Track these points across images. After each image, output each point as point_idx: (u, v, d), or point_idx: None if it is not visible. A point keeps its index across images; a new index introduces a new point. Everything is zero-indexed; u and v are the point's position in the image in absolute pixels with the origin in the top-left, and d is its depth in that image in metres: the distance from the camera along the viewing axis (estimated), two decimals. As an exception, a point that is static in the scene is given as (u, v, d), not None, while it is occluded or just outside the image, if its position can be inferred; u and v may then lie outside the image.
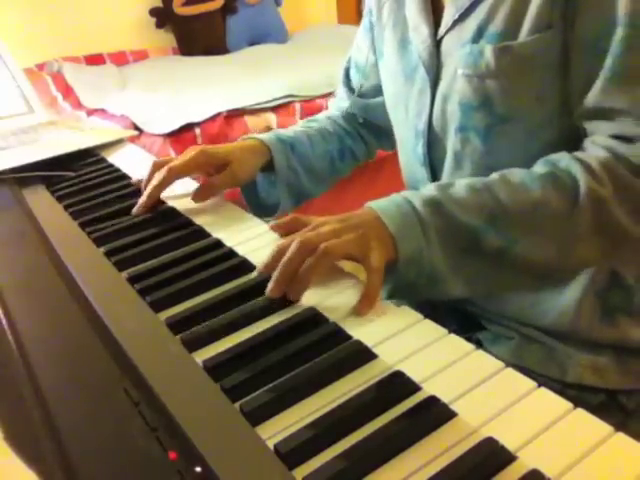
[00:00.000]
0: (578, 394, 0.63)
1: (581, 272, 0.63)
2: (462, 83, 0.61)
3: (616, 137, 0.55)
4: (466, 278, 0.54)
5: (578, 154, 0.55)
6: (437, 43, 0.65)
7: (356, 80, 0.87)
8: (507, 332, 0.68)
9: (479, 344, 0.71)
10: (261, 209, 0.82)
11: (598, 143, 0.55)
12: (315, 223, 0.54)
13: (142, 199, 0.71)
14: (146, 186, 0.71)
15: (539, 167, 0.55)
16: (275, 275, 0.50)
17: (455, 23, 0.62)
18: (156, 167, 0.72)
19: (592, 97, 0.55)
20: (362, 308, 0.48)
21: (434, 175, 0.71)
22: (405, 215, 0.52)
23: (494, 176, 0.55)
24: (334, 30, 2.88)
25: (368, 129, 0.89)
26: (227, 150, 0.73)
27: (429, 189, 0.55)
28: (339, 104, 0.91)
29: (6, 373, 0.46)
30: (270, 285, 0.50)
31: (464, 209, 0.53)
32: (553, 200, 0.53)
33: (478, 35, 0.60)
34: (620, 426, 0.35)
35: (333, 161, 0.85)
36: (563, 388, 0.63)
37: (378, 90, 0.82)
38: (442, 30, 0.64)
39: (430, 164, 0.71)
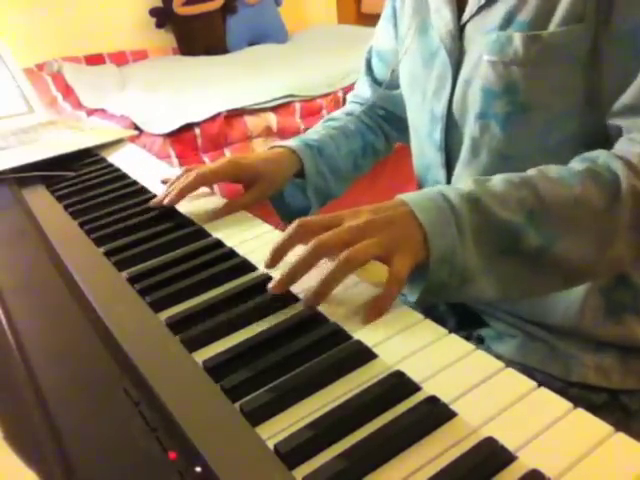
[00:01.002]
0: (581, 393, 0.63)
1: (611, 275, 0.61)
2: (486, 69, 0.61)
3: None
4: (500, 280, 0.51)
5: (617, 151, 0.54)
6: (460, 28, 0.65)
7: (380, 70, 0.86)
8: (510, 330, 0.68)
9: (481, 341, 0.71)
10: (289, 214, 0.81)
11: (636, 140, 0.53)
12: (344, 214, 0.51)
13: (165, 199, 0.69)
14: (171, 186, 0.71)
15: (576, 163, 0.54)
16: (284, 273, 0.49)
17: (481, 9, 0.62)
18: (186, 172, 0.71)
19: (631, 93, 0.54)
20: (370, 315, 0.47)
21: (449, 161, 0.70)
22: (440, 210, 0.49)
23: (531, 171, 0.53)
24: (334, 30, 2.88)
25: (389, 121, 0.88)
26: (257, 164, 0.72)
27: (466, 184, 0.52)
28: (362, 95, 0.90)
29: (6, 373, 0.46)
30: (274, 281, 0.49)
31: (504, 205, 0.50)
32: (594, 196, 0.51)
33: (506, 22, 0.59)
34: (622, 426, 0.35)
35: (356, 159, 0.84)
36: (566, 387, 0.63)
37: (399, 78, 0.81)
38: (466, 16, 0.64)
39: (446, 149, 0.70)
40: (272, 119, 1.89)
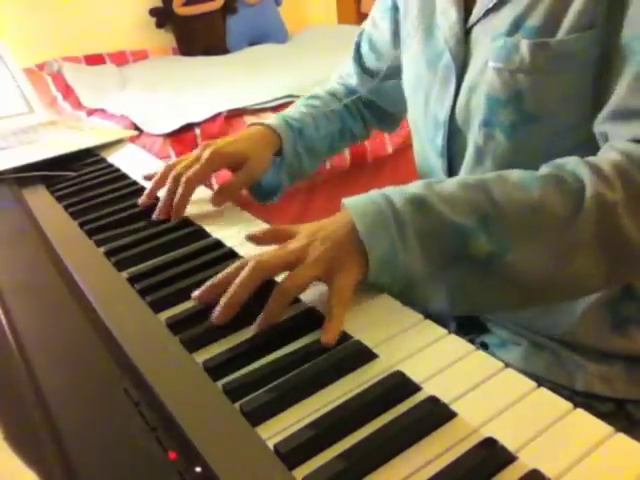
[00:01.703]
0: (586, 402, 0.62)
1: (576, 299, 0.58)
2: (492, 76, 0.59)
3: (637, 141, 0.50)
4: (447, 288, 0.49)
5: (590, 158, 0.50)
6: (466, 31, 0.63)
7: (369, 59, 0.85)
8: (515, 338, 0.67)
9: (484, 347, 0.70)
10: (260, 193, 0.80)
11: (615, 147, 0.51)
12: (284, 238, 0.51)
13: (163, 213, 0.68)
14: (163, 195, 0.69)
15: (543, 169, 0.51)
16: (223, 301, 0.47)
17: (488, 12, 0.60)
18: (167, 173, 0.70)
19: (616, 97, 0.52)
20: (327, 339, 0.44)
21: (451, 167, 0.69)
22: (379, 213, 0.48)
23: (490, 175, 0.50)
24: (334, 30, 2.88)
25: (370, 109, 0.87)
26: (240, 146, 0.71)
27: (415, 185, 0.50)
28: (346, 80, 0.89)
29: (6, 373, 0.46)
30: (217, 311, 0.47)
31: (453, 207, 0.47)
32: (554, 203, 0.47)
33: (514, 28, 0.57)
34: (628, 435, 0.35)
35: (333, 141, 0.84)
36: (571, 395, 0.63)
37: (391, 73, 0.80)
38: (473, 18, 0.62)
39: (448, 156, 0.68)
40: (272, 119, 1.89)
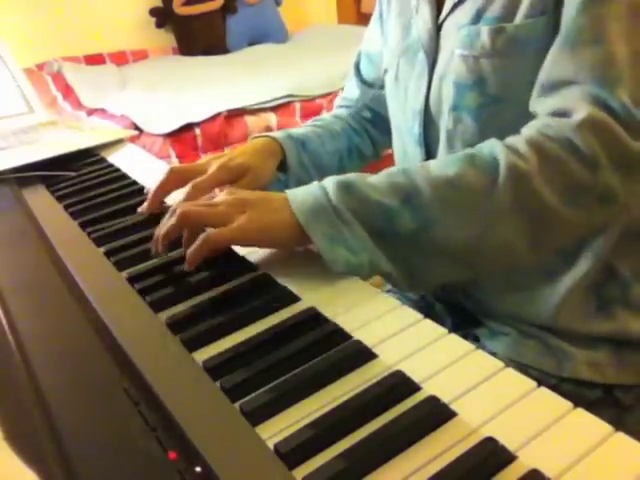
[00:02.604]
0: (575, 389, 0.63)
1: (507, 267, 0.61)
2: (458, 63, 0.63)
3: (555, 114, 0.54)
4: (394, 265, 0.53)
5: (507, 139, 0.55)
6: (438, 27, 0.67)
7: (368, 72, 0.88)
8: (503, 328, 0.68)
9: (476, 340, 0.71)
10: None
11: (532, 125, 0.55)
12: (210, 190, 0.59)
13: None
14: (157, 193, 0.68)
15: (460, 152, 0.55)
16: (154, 237, 0.56)
17: (455, 7, 0.64)
18: (174, 178, 0.68)
19: (543, 70, 0.56)
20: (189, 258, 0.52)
21: (429, 155, 0.72)
22: (315, 199, 0.52)
23: (413, 165, 0.56)
24: (334, 30, 2.88)
25: (376, 125, 0.89)
26: (245, 159, 0.71)
27: (345, 175, 0.55)
28: (350, 97, 0.91)
29: (6, 373, 0.46)
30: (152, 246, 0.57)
31: (377, 190, 0.52)
32: (470, 177, 0.52)
33: (476, 18, 0.61)
34: (616, 421, 0.35)
35: (342, 159, 0.85)
36: (559, 383, 0.63)
37: None
38: (443, 14, 0.66)
39: (425, 143, 0.71)
40: (272, 119, 1.89)
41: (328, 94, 2.01)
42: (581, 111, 0.52)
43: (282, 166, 0.77)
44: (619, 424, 0.34)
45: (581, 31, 0.53)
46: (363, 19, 3.13)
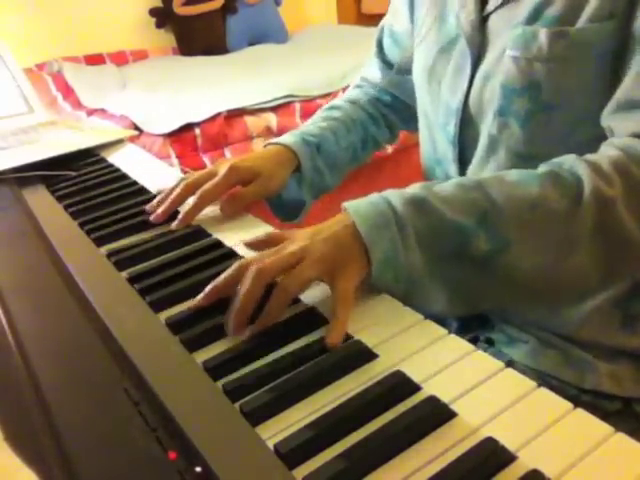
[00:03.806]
0: (594, 400, 0.62)
1: (572, 301, 0.58)
2: (508, 64, 0.58)
3: (637, 136, 0.50)
4: (446, 286, 0.49)
5: (588, 155, 0.51)
6: (483, 19, 0.63)
7: (392, 53, 0.83)
8: (522, 335, 0.67)
9: (490, 344, 0.69)
10: (283, 210, 0.79)
11: (615, 143, 0.51)
12: (283, 242, 0.50)
13: (176, 223, 0.66)
14: (168, 199, 0.68)
15: (540, 167, 0.51)
16: (234, 309, 0.47)
17: (507, 1, 0.60)
18: (189, 188, 0.68)
19: (621, 89, 0.52)
20: (332, 340, 0.44)
21: (462, 156, 0.68)
22: (380, 214, 0.48)
23: (487, 176, 0.51)
24: (334, 30, 2.88)
25: (395, 110, 0.85)
26: (256, 165, 0.70)
27: (413, 187, 0.51)
28: (371, 79, 0.87)
29: (6, 373, 0.46)
30: (232, 322, 0.47)
31: (452, 207, 0.48)
32: (553, 199, 0.48)
33: (534, 17, 0.57)
34: (634, 434, 0.34)
35: (356, 151, 0.82)
36: (579, 394, 0.62)
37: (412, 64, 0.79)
38: (491, 6, 0.62)
39: (460, 144, 0.68)
40: (272, 119, 1.89)
41: (328, 94, 2.01)
42: None
43: (294, 171, 0.75)
44: (637, 436, 0.34)
45: None
46: (363, 19, 3.13)
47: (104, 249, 0.63)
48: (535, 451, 0.34)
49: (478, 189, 0.49)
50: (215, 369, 0.43)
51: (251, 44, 2.77)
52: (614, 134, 0.53)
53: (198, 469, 0.35)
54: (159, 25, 2.71)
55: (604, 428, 0.35)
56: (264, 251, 0.50)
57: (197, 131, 1.77)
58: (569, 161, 0.51)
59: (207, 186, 0.67)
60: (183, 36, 2.71)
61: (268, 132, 1.89)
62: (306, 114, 1.96)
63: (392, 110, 0.86)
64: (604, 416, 0.36)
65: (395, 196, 0.50)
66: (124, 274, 0.58)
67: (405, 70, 0.80)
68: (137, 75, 2.36)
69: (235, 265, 0.49)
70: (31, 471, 0.35)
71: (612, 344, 0.62)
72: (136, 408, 0.40)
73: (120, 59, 2.60)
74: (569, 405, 0.37)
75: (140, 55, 2.66)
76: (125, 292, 0.55)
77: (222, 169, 0.68)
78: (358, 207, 0.50)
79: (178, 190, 0.68)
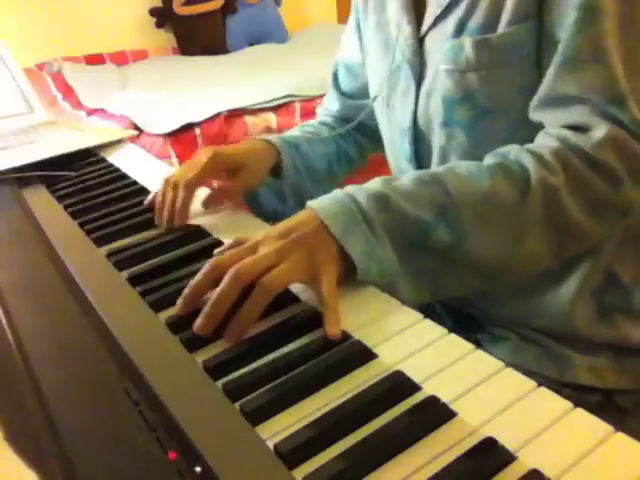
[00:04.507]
0: (575, 394, 0.63)
1: (540, 275, 0.60)
2: (444, 78, 0.62)
3: (569, 127, 0.54)
4: (416, 276, 0.52)
5: (528, 145, 0.54)
6: (420, 41, 0.66)
7: (347, 83, 0.87)
8: (504, 333, 0.68)
9: (478, 344, 0.70)
10: (263, 216, 0.78)
11: (550, 133, 0.54)
12: (253, 242, 0.50)
13: (167, 221, 0.66)
14: (164, 206, 0.67)
15: (487, 159, 0.55)
16: (206, 310, 0.46)
17: (437, 20, 0.63)
18: (169, 185, 0.68)
19: (545, 85, 0.55)
20: (331, 331, 0.45)
21: (421, 169, 0.71)
22: (349, 213, 0.50)
23: (441, 168, 0.54)
24: (334, 30, 2.87)
25: (362, 132, 0.88)
26: (240, 152, 0.72)
27: (374, 183, 0.53)
28: (329, 107, 0.91)
29: (6, 373, 0.46)
30: (199, 320, 0.46)
31: (413, 203, 0.51)
32: (504, 190, 0.51)
33: (459, 30, 0.60)
34: (617, 425, 0.35)
35: (331, 164, 0.85)
36: (560, 388, 0.63)
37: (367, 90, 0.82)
38: (424, 28, 0.65)
39: (417, 160, 0.71)
40: (272, 119, 1.89)
41: (328, 94, 2.01)
42: (599, 128, 0.52)
43: (275, 170, 0.76)
44: (620, 428, 0.34)
45: (580, 51, 0.53)
46: (363, 19, 3.13)
47: (104, 249, 0.63)
48: (535, 451, 0.34)
49: (436, 184, 0.52)
50: (215, 369, 0.43)
51: (251, 44, 2.77)
52: (546, 126, 0.56)
53: (198, 469, 0.35)
54: (159, 25, 2.71)
55: (604, 428, 0.35)
56: (233, 249, 0.50)
57: (197, 131, 1.77)
58: (514, 152, 0.54)
59: (189, 176, 0.67)
60: (183, 36, 2.71)
61: (268, 132, 1.89)
62: (306, 114, 1.96)
63: (359, 132, 0.88)
64: (586, 409, 0.36)
65: (359, 193, 0.51)
66: (124, 274, 0.58)
67: (357, 95, 0.85)
68: (137, 75, 2.36)
69: (208, 266, 0.48)
70: (31, 471, 0.35)
71: (590, 336, 0.63)
72: (136, 408, 0.40)
73: (120, 59, 2.60)
74: (569, 405, 0.37)
75: (140, 55, 2.66)
76: (125, 292, 0.55)
77: (204, 157, 0.69)
78: (324, 206, 0.50)
79: (169, 193, 0.67)
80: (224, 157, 0.70)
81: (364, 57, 0.79)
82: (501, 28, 0.57)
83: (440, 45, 0.62)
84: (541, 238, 0.53)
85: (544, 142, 0.54)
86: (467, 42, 0.59)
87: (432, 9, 0.63)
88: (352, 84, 0.86)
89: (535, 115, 0.57)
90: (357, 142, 0.89)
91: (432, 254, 0.51)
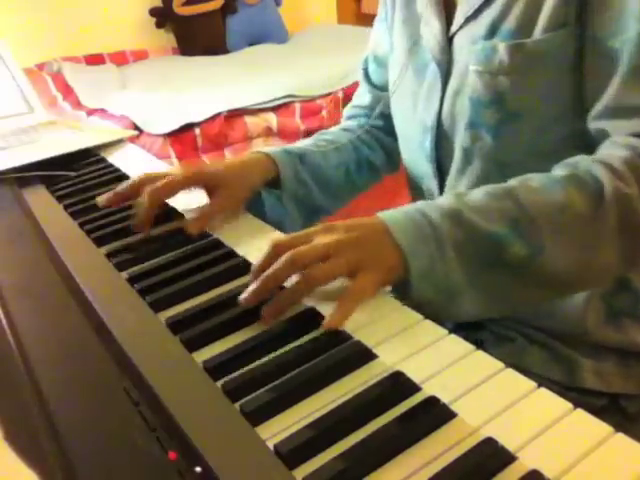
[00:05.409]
0: (579, 397, 0.62)
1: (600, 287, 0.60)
2: (473, 79, 0.61)
3: (637, 135, 0.53)
4: (485, 294, 0.51)
5: (597, 156, 0.53)
6: (449, 39, 0.65)
7: (378, 76, 0.84)
8: (509, 333, 0.68)
9: (480, 344, 0.70)
10: (268, 223, 0.74)
11: (619, 142, 0.53)
12: (317, 230, 0.51)
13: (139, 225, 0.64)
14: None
15: (558, 170, 0.53)
16: (255, 286, 0.48)
17: (468, 20, 0.62)
18: (145, 182, 0.65)
19: (610, 96, 0.54)
20: (329, 323, 0.45)
21: (440, 170, 0.70)
22: (418, 228, 0.49)
23: (512, 182, 0.53)
24: (334, 30, 2.88)
25: (391, 134, 0.83)
26: (220, 170, 0.68)
27: (446, 199, 0.52)
28: (359, 102, 0.87)
29: (6, 373, 0.46)
30: (245, 294, 0.48)
31: (486, 217, 0.50)
32: (578, 202, 0.50)
33: (491, 32, 0.59)
34: (621, 430, 0.35)
35: (349, 173, 0.80)
36: (564, 391, 0.63)
37: None
38: (454, 27, 0.64)
39: (437, 160, 0.70)
40: (272, 119, 1.89)
41: (328, 94, 2.01)
42: None
43: (275, 182, 0.72)
44: (625, 433, 0.34)
45: None
46: (363, 19, 3.13)
47: (104, 249, 0.63)
48: (535, 451, 0.34)
49: (508, 197, 0.51)
50: (215, 369, 0.43)
51: (251, 44, 2.76)
52: (611, 135, 0.55)
53: (198, 469, 0.35)
54: (159, 25, 2.71)
55: (604, 428, 0.35)
56: (295, 234, 0.51)
57: (197, 131, 1.77)
58: (583, 163, 0.53)
59: (159, 184, 0.64)
60: (183, 36, 2.71)
61: (268, 132, 1.89)
62: (306, 114, 1.96)
63: (387, 134, 0.84)
64: (590, 413, 0.36)
65: (431, 208, 0.50)
66: (124, 274, 0.58)
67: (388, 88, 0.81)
68: (137, 75, 2.36)
69: (269, 248, 0.50)
70: (31, 471, 0.35)
71: (597, 340, 0.63)
72: (136, 408, 0.40)
73: (120, 59, 2.60)
74: (569, 405, 0.37)
75: (140, 55, 2.66)
76: (125, 292, 0.55)
77: (183, 170, 0.66)
78: (395, 220, 0.50)
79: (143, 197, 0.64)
80: (203, 174, 0.67)
81: (389, 53, 0.78)
82: (537, 33, 0.56)
83: (470, 45, 0.62)
84: (615, 249, 0.51)
85: (612, 151, 0.53)
86: (501, 46, 0.58)
87: (463, 8, 0.63)
88: (384, 77, 0.83)
89: (597, 124, 0.56)
90: (384, 147, 0.85)
91: (506, 269, 0.50)
